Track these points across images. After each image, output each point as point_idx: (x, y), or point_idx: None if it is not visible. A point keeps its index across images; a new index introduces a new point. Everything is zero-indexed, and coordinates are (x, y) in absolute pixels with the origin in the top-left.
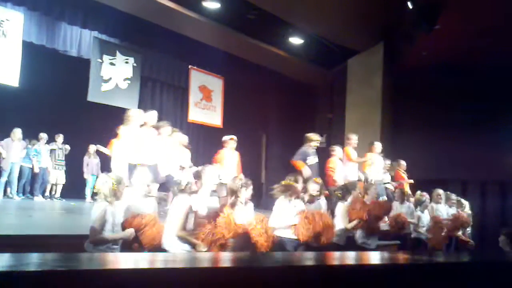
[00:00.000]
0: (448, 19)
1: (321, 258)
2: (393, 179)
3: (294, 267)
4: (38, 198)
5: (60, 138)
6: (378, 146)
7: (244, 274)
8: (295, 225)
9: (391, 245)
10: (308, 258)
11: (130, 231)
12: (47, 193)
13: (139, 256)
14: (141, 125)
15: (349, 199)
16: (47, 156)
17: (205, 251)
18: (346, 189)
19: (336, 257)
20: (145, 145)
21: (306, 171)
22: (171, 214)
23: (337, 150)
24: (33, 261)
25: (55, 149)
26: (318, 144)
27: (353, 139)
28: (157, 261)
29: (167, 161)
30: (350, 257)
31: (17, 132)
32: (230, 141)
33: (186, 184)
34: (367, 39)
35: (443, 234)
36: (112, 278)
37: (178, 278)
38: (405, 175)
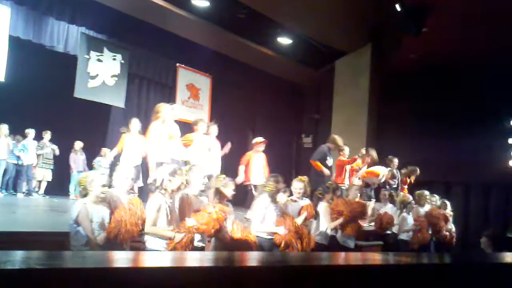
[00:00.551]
0: (435, 22)
1: (286, 259)
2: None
3: (272, 268)
4: (21, 195)
5: (47, 135)
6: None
7: (222, 274)
8: (275, 233)
9: (373, 245)
10: (275, 259)
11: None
12: (31, 190)
13: (123, 255)
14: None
15: (329, 198)
16: (34, 152)
17: (179, 241)
18: (327, 189)
19: (307, 258)
20: (173, 143)
21: (326, 171)
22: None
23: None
24: (16, 258)
25: (41, 147)
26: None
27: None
28: (139, 259)
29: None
30: (325, 258)
31: (3, 128)
32: (260, 144)
33: (162, 182)
34: (355, 40)
35: (422, 233)
36: (97, 276)
37: (164, 277)
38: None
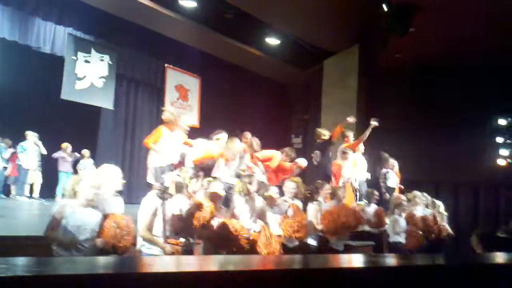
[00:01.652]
0: (422, 22)
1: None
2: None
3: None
4: (22, 198)
5: (34, 136)
6: (361, 146)
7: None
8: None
9: (364, 246)
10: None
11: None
12: (26, 193)
13: (114, 260)
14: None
15: (320, 199)
16: (34, 155)
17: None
18: (315, 189)
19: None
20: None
21: None
22: (139, 213)
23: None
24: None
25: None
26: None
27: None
28: (131, 264)
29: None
30: (316, 261)
31: None
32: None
33: (161, 186)
34: (342, 40)
35: (419, 235)
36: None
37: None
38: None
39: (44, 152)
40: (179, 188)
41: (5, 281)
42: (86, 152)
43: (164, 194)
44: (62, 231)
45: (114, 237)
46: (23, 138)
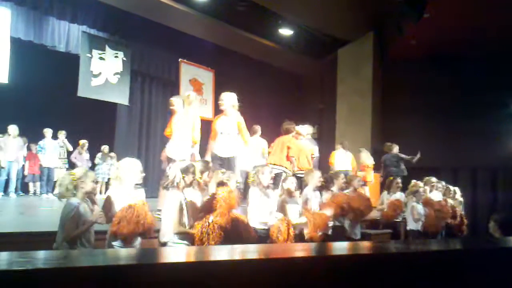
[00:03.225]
0: (436, 8)
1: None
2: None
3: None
4: (48, 196)
5: (62, 134)
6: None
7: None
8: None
9: (382, 234)
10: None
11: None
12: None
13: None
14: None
15: (334, 189)
16: (53, 153)
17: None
18: (330, 178)
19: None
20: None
21: None
22: (165, 211)
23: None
24: (35, 258)
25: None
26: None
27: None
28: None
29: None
30: (336, 248)
31: (13, 129)
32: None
33: (174, 179)
34: (356, 29)
35: (438, 218)
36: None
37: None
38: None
39: (70, 148)
40: (189, 181)
41: (25, 274)
42: (105, 148)
43: (170, 185)
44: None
45: (127, 219)
46: (42, 137)
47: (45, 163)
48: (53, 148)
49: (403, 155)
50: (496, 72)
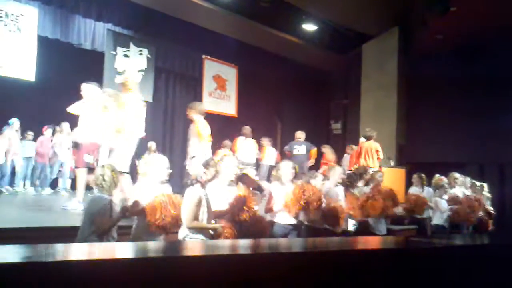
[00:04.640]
0: (463, 1)
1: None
2: None
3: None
4: (63, 192)
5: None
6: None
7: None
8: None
9: (407, 230)
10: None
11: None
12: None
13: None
14: None
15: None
16: (68, 148)
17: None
18: (354, 175)
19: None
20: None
21: None
22: (182, 207)
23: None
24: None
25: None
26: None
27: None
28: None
29: None
30: (357, 243)
31: (66, 127)
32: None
33: (195, 175)
34: (381, 23)
35: (465, 213)
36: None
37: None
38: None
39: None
40: (211, 175)
41: (48, 265)
42: (152, 145)
43: (194, 182)
44: None
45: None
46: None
47: (61, 157)
48: (67, 143)
49: None
50: None
